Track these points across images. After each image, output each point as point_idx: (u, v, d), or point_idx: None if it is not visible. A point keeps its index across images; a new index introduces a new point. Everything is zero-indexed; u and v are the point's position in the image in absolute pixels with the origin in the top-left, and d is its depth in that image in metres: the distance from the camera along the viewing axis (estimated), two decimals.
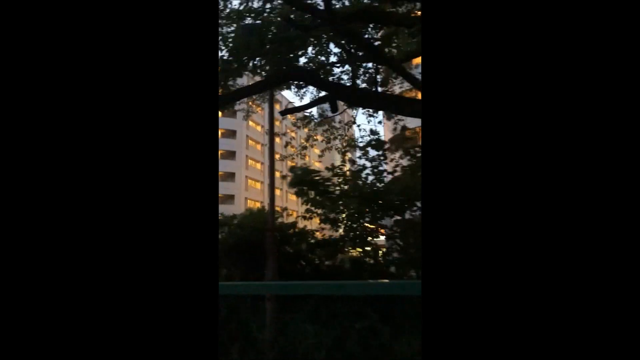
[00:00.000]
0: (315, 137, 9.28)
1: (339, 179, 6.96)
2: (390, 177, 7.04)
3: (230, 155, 33.65)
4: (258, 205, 33.87)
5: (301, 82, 6.49)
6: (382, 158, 7.10)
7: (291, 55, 5.11)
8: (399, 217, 6.63)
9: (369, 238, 6.94)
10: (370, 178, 7.07)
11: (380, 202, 6.44)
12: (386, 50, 5.65)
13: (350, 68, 6.29)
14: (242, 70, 5.26)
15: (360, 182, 6.96)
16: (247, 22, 4.95)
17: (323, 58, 5.96)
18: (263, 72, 5.64)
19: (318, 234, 8.12)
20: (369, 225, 6.94)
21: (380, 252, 7.25)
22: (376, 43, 5.73)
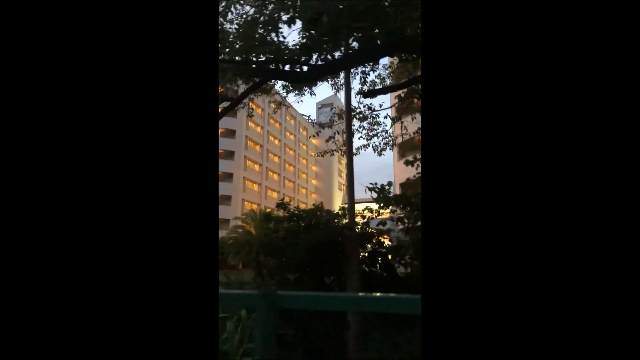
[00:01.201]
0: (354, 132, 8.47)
1: None
2: None
3: (229, 155, 33.61)
4: (255, 207, 33.81)
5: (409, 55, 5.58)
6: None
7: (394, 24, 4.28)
8: None
9: None
10: None
11: None
12: None
13: None
14: (336, 46, 4.50)
15: None
16: None
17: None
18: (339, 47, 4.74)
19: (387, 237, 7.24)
20: None
21: None
22: None
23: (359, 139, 8.87)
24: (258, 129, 38.97)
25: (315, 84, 7.22)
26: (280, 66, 4.63)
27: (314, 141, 53.42)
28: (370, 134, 8.38)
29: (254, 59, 4.32)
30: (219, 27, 4.08)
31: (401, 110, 8.55)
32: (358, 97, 8.06)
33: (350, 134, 7.49)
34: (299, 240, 6.39)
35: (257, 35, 4.12)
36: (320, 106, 54.31)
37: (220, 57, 4.18)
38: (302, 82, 5.33)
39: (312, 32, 4.12)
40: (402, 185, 21.93)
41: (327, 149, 8.73)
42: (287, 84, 6.38)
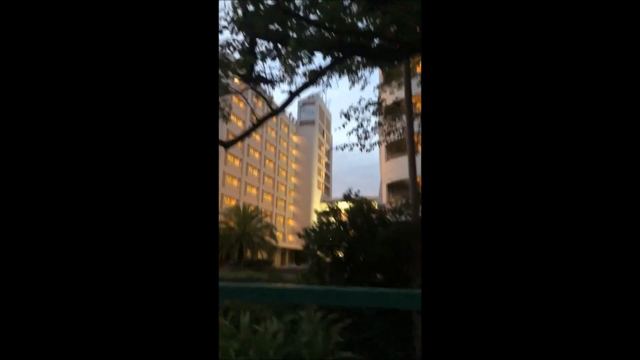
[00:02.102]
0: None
1: None
2: None
3: None
4: (234, 202, 33.47)
5: None
6: None
7: None
8: None
9: None
10: None
11: None
12: None
13: None
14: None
15: None
16: None
17: None
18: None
19: None
20: None
21: None
22: None
23: (374, 134, 8.26)
24: (240, 123, 38.65)
25: (393, 65, 6.60)
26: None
27: (295, 138, 53.41)
28: (388, 129, 7.99)
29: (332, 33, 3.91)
30: None
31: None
32: (376, 90, 7.77)
33: (411, 130, 6.98)
34: (372, 235, 5.82)
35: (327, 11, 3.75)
36: (303, 104, 54.26)
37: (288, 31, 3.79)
38: (389, 60, 4.81)
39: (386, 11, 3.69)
40: (389, 186, 21.89)
41: (348, 143, 8.32)
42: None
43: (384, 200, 23.16)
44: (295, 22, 3.86)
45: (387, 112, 7.91)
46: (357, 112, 7.79)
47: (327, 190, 58.65)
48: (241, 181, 38.11)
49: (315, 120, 51.95)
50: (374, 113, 7.57)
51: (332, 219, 7.01)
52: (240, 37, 4.26)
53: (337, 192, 62.79)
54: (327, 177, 59.72)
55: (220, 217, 26.03)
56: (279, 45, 4.14)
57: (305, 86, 5.03)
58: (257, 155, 42.06)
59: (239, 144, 37.99)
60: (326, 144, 58.76)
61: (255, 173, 41.79)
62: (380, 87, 7.52)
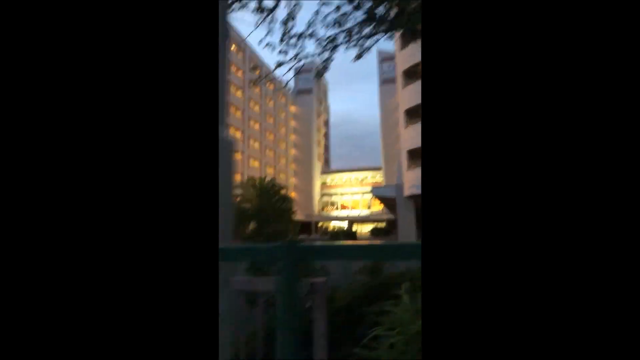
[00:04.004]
0: None
1: None
2: None
3: None
4: (238, 176, 32.21)
5: None
6: None
7: None
8: None
9: None
10: None
11: None
12: None
13: None
14: None
15: None
16: None
17: None
18: None
19: None
20: None
21: None
22: None
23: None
24: (239, 93, 36.57)
25: None
26: None
27: (293, 108, 51.42)
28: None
29: None
30: None
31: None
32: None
33: None
34: None
35: None
36: (298, 71, 51.98)
37: None
38: None
39: None
40: (410, 152, 21.45)
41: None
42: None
43: (404, 167, 22.94)
44: None
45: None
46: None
47: (327, 162, 57.52)
48: (244, 154, 36.57)
49: (312, 88, 49.82)
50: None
51: None
52: None
53: (335, 163, 61.57)
54: (326, 148, 58.42)
55: (237, 191, 24.71)
56: None
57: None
58: (257, 127, 40.32)
59: (239, 115, 36.14)
60: (324, 114, 56.99)
61: (257, 145, 40.23)
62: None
